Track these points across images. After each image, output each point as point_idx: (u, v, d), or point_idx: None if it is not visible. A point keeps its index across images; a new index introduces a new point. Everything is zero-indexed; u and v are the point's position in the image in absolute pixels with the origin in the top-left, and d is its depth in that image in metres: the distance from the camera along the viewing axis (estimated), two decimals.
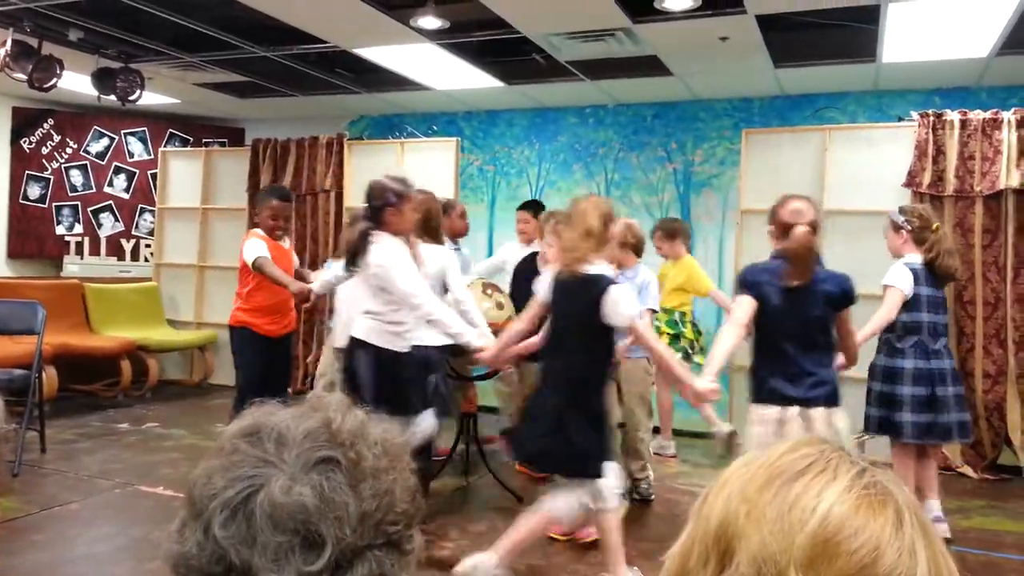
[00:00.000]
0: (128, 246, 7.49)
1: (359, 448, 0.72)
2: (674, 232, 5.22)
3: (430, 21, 4.58)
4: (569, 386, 2.86)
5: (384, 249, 3.40)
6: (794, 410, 2.90)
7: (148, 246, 7.64)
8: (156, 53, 5.58)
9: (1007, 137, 4.95)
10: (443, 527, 3.77)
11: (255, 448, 0.70)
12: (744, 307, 2.94)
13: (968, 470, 5.01)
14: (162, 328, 7.19)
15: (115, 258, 7.45)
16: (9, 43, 5.02)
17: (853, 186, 5.30)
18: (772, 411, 2.91)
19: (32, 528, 3.59)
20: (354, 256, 3.42)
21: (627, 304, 2.85)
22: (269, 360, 4.33)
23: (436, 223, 3.97)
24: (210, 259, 7.47)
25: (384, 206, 3.42)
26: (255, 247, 4.23)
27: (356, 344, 3.46)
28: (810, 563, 0.57)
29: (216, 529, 0.66)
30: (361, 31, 4.91)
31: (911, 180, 5.19)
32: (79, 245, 7.34)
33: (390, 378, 3.41)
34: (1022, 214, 4.98)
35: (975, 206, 5.07)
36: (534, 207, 5.08)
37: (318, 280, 4.23)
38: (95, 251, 7.38)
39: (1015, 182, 4.92)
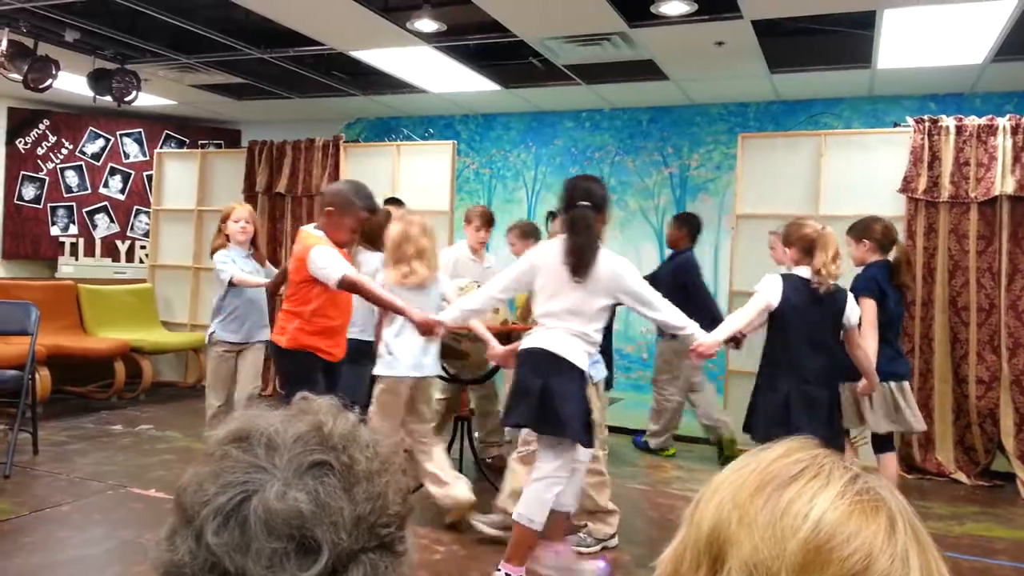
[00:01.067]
0: (123, 247, 7.47)
1: (352, 451, 0.71)
2: (528, 233, 4.86)
3: (427, 24, 4.58)
4: (834, 381, 3.39)
5: (616, 257, 3.15)
6: (903, 384, 3.78)
7: (143, 247, 7.62)
8: (153, 54, 5.57)
9: (1002, 143, 4.96)
10: (436, 531, 3.76)
11: (246, 454, 0.70)
12: (874, 310, 3.70)
13: (961, 476, 5.02)
14: (156, 330, 7.17)
15: (110, 259, 7.43)
16: (5, 43, 5.01)
17: (848, 191, 5.31)
18: (887, 387, 3.73)
19: (22, 530, 3.57)
20: (586, 267, 3.03)
21: (857, 309, 3.46)
22: (332, 386, 3.58)
23: (375, 233, 4.19)
24: (205, 261, 7.44)
25: (604, 207, 3.16)
26: (335, 259, 3.37)
27: (563, 365, 3.04)
28: (802, 569, 0.57)
29: (209, 536, 0.65)
30: (358, 34, 4.91)
31: (906, 186, 5.20)
32: (74, 246, 7.32)
33: (585, 403, 3.10)
34: (1017, 220, 4.99)
35: (970, 212, 5.08)
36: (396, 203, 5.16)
37: (456, 308, 3.35)
38: (90, 252, 7.36)
39: (1010, 188, 4.93)
